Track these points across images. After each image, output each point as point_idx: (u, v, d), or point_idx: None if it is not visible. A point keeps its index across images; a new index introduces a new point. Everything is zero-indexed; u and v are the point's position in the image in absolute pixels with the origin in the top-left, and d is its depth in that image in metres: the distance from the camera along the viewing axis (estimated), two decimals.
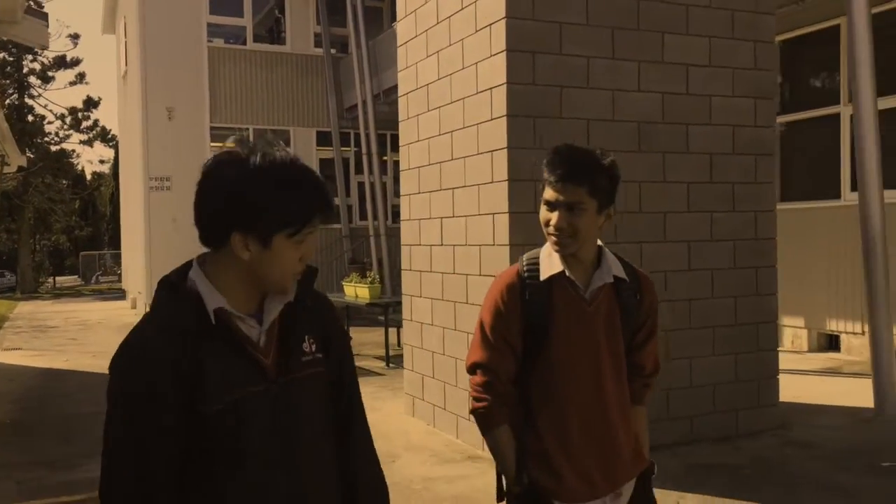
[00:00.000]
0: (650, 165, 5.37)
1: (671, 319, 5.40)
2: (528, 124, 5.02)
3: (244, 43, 16.63)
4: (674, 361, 5.45)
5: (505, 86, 4.97)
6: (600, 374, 2.13)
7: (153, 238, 15.56)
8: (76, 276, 43.67)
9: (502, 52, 4.97)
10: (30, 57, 27.76)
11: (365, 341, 10.67)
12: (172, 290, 1.54)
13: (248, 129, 16.21)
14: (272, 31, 17.84)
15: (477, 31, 5.26)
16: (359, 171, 16.42)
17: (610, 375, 2.14)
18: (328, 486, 1.66)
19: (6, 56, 26.48)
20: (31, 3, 26.87)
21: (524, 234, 4.99)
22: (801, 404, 6.39)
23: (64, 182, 33.95)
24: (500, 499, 2.23)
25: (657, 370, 2.30)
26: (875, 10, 8.30)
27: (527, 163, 4.99)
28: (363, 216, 16.37)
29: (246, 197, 1.46)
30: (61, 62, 27.87)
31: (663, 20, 5.37)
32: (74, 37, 27.82)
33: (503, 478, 2.19)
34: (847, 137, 9.10)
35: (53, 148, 30.74)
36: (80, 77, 28.49)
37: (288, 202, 1.48)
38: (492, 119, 5.12)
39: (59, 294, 29.49)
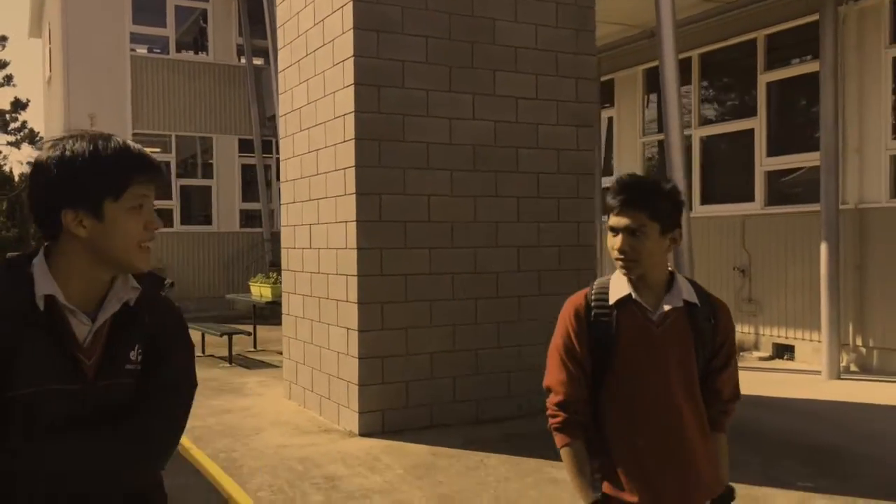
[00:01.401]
0: (484, 182, 6.32)
1: (501, 313, 6.38)
2: (373, 146, 5.92)
3: (167, 52, 17.21)
4: (505, 349, 6.42)
5: (353, 114, 5.87)
6: (672, 396, 2.16)
7: None
8: None
9: (351, 85, 5.87)
10: None
11: (271, 338, 11.38)
12: (8, 271, 1.55)
13: (170, 135, 16.82)
14: (196, 40, 18.43)
15: (334, 65, 6.15)
16: (280, 177, 17.13)
17: (683, 398, 2.17)
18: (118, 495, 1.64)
19: None
20: None
21: (369, 240, 5.90)
22: None
23: None
24: None
25: (736, 396, 2.30)
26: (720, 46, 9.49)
27: (372, 178, 5.91)
28: None
29: (65, 172, 1.50)
30: None
31: (495, 60, 6.34)
32: (1, 39, 27.78)
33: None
34: (697, 157, 10.29)
35: None
36: (8, 79, 28.52)
37: (103, 166, 1.52)
38: (344, 141, 6.01)
39: None
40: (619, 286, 2.20)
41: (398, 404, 6.01)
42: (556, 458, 5.34)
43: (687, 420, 2.17)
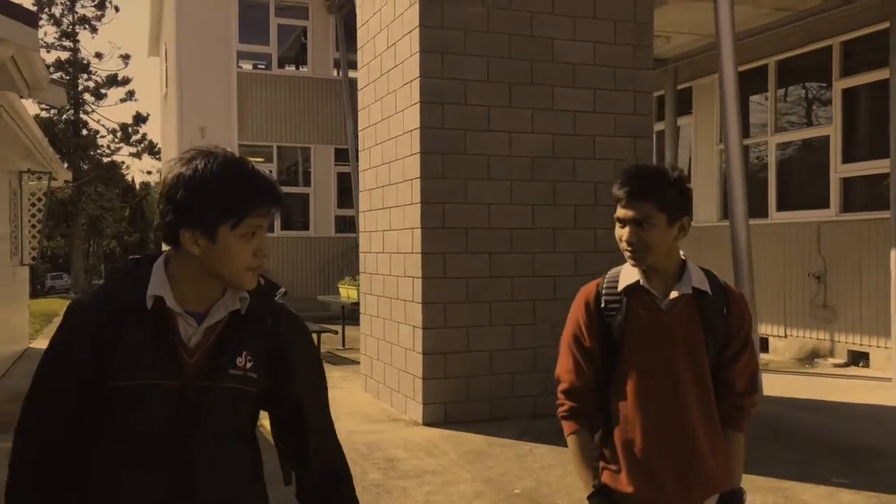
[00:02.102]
0: (542, 191, 6.73)
1: (558, 314, 6.75)
2: (437, 159, 6.45)
3: (270, 68, 18.36)
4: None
5: (419, 129, 6.41)
6: (678, 385, 2.14)
7: None
8: None
9: (417, 103, 6.42)
10: (84, 76, 30.26)
11: (358, 337, 12.05)
12: (130, 269, 1.68)
13: (272, 146, 17.93)
14: (297, 56, 19.55)
15: (403, 85, 6.72)
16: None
17: (691, 388, 2.15)
18: (228, 500, 1.68)
19: (62, 75, 29.00)
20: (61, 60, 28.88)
21: (432, 245, 6.43)
22: None
23: (115, 191, 36.44)
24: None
25: (752, 391, 2.26)
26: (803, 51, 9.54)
27: (436, 189, 6.43)
28: None
29: (186, 193, 1.55)
30: (113, 81, 30.26)
31: (554, 76, 6.74)
32: (125, 57, 30.15)
33: None
34: (773, 163, 10.32)
35: (105, 160, 33.19)
36: (130, 94, 30.84)
37: (224, 194, 1.55)
38: (411, 154, 6.56)
39: None
40: (629, 274, 2.22)
41: (459, 397, 6.50)
42: None
43: (693, 411, 2.15)
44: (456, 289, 6.50)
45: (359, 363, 9.84)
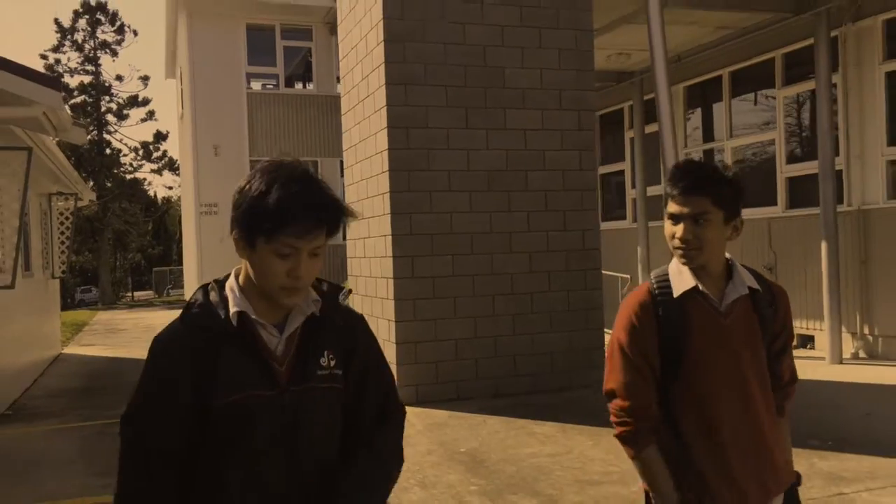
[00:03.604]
0: (498, 200, 7.75)
1: (515, 307, 7.78)
2: (404, 176, 7.49)
3: (278, 87, 19.54)
4: (520, 336, 7.81)
5: (387, 151, 7.46)
6: (747, 387, 2.09)
7: (204, 255, 18.55)
8: (152, 290, 48.05)
9: (385, 128, 7.47)
10: (106, 98, 31.75)
11: None
12: (206, 293, 1.72)
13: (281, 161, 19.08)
14: (304, 74, 20.73)
15: (375, 112, 7.78)
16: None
17: (756, 388, 2.11)
18: (329, 494, 1.71)
19: (86, 98, 30.46)
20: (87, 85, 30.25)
21: (402, 249, 7.47)
22: None
23: (138, 206, 37.98)
24: None
25: (794, 380, 2.27)
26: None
27: (404, 201, 7.48)
28: None
29: (238, 201, 1.64)
30: (133, 101, 31.70)
31: (505, 100, 7.76)
32: (144, 79, 31.63)
33: (651, 498, 2.17)
34: (731, 165, 11.24)
35: (128, 177, 34.69)
36: (150, 114, 32.30)
37: (263, 210, 1.58)
38: (382, 172, 7.62)
39: (134, 305, 33.22)
40: (681, 277, 2.12)
41: (430, 380, 7.53)
42: (542, 418, 6.74)
43: (759, 409, 2.12)
44: (424, 287, 7.53)
45: None
